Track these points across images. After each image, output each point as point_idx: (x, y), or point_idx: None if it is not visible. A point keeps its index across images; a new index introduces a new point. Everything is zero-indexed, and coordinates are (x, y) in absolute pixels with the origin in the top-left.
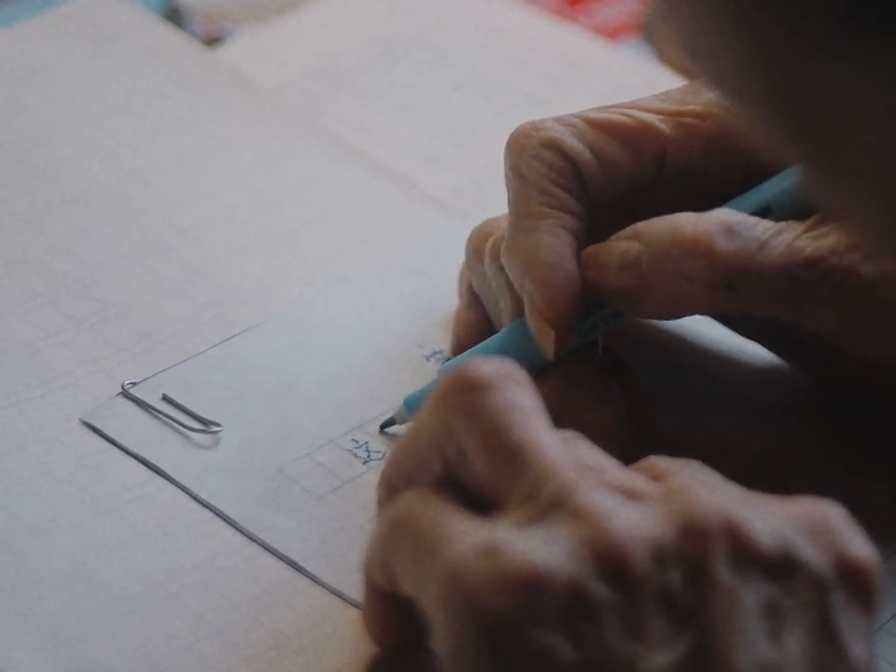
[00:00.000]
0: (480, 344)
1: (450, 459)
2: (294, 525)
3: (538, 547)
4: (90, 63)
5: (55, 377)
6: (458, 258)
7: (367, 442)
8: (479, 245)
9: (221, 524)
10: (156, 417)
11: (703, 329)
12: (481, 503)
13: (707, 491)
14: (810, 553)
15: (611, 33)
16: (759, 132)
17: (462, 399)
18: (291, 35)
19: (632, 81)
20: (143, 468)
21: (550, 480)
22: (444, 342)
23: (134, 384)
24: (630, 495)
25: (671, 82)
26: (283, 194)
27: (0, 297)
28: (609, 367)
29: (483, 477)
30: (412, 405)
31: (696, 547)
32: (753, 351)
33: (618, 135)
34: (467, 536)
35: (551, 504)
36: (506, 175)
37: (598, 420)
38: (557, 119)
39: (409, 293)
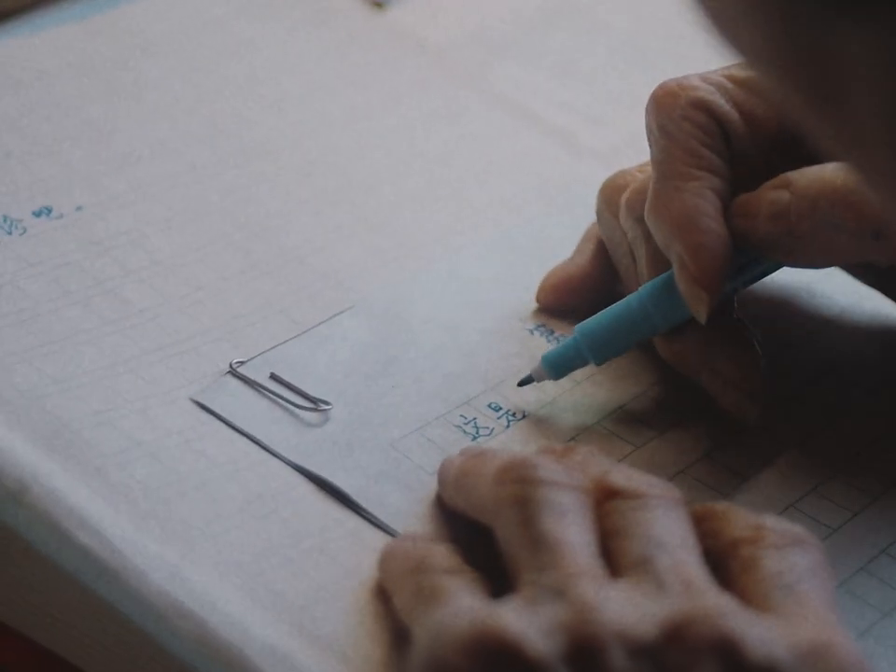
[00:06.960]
0: (620, 301)
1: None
2: (407, 500)
3: (518, 620)
4: (263, 21)
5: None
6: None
7: (475, 419)
8: (611, 197)
9: (328, 498)
10: (265, 396)
11: (818, 290)
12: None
13: (714, 597)
14: None
15: None
16: (780, 99)
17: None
18: None
19: None
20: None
21: (555, 570)
22: (548, 316)
23: (242, 362)
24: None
25: None
26: (450, 149)
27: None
28: (745, 323)
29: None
30: (550, 363)
31: (682, 655)
32: (872, 311)
33: (764, 94)
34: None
35: (550, 591)
36: (649, 132)
37: (739, 375)
38: (703, 78)
39: (509, 267)
